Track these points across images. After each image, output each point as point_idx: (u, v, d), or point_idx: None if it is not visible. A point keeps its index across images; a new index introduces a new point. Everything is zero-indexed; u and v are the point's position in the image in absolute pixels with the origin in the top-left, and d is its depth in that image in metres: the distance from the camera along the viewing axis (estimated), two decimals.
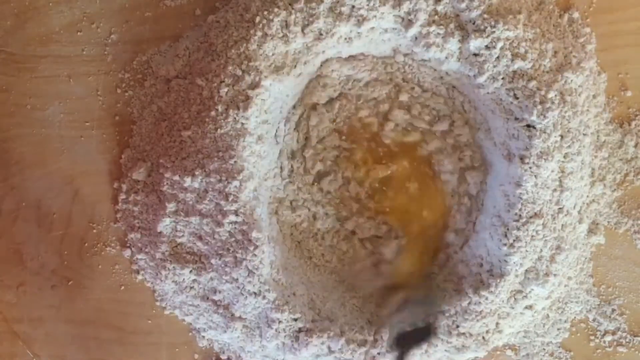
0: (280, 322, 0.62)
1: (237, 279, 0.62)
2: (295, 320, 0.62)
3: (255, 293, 0.62)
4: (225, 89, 0.61)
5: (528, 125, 0.61)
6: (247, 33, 0.62)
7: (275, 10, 0.61)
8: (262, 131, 0.63)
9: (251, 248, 0.61)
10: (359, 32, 0.62)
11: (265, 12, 0.61)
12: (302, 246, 0.68)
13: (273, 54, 0.61)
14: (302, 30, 0.61)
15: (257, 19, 0.61)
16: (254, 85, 0.61)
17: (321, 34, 0.61)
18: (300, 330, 0.63)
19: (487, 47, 0.60)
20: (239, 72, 0.61)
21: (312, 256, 0.68)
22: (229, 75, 0.61)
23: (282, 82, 0.62)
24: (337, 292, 0.67)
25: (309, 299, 0.65)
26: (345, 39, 0.63)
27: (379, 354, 0.63)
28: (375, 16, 0.61)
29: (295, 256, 0.67)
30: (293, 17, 0.61)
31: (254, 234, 0.61)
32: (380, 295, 0.66)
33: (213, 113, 0.61)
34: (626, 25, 0.67)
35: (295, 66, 0.62)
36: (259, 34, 0.61)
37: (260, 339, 0.64)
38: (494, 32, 0.60)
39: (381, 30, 0.63)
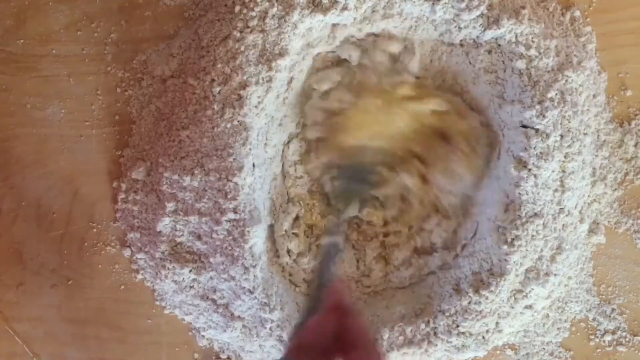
0: (272, 321, 0.62)
1: (234, 277, 0.62)
2: (288, 321, 0.63)
3: (250, 291, 0.62)
4: (218, 88, 0.61)
5: (527, 126, 0.61)
6: (230, 26, 0.62)
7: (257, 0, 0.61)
8: (261, 127, 0.63)
9: (247, 245, 0.61)
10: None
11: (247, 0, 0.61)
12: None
13: (257, 50, 0.61)
14: (279, 21, 0.61)
15: (237, 9, 0.61)
16: (244, 85, 0.61)
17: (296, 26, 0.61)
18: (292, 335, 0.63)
19: (487, 45, 0.61)
20: (228, 71, 0.61)
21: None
22: (219, 74, 0.61)
23: (272, 77, 0.61)
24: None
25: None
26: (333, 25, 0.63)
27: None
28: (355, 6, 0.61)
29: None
30: (275, 9, 0.61)
31: (252, 230, 0.61)
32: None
33: (209, 112, 0.61)
34: (626, 24, 0.67)
35: (284, 59, 0.62)
36: (240, 25, 0.61)
37: (257, 338, 0.64)
38: (497, 29, 0.60)
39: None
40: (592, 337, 0.67)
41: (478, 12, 0.60)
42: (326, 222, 0.68)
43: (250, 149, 0.61)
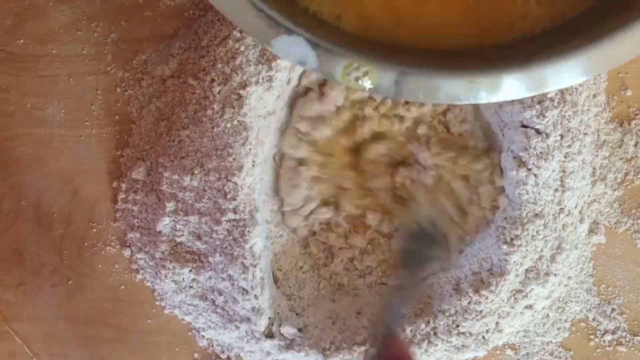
0: (262, 324, 0.62)
1: (232, 276, 0.62)
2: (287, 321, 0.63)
3: (248, 291, 0.62)
4: (218, 88, 0.61)
5: (527, 126, 0.61)
6: (230, 26, 0.62)
7: None
8: (261, 126, 0.63)
9: (248, 245, 0.61)
10: None
11: None
12: (305, 248, 0.68)
13: (257, 50, 0.61)
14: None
15: None
16: (244, 85, 0.61)
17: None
18: (292, 338, 0.63)
19: None
20: (228, 70, 0.61)
21: (316, 259, 0.68)
22: (219, 74, 0.61)
23: (272, 77, 0.61)
24: (343, 300, 0.67)
25: (307, 302, 0.66)
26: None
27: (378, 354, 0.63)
28: None
29: (295, 257, 0.68)
30: None
31: (252, 230, 0.61)
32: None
33: (209, 112, 0.61)
34: None
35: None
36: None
37: (257, 338, 0.64)
38: None
39: None
40: (592, 337, 0.67)
41: None
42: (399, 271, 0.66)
43: (250, 149, 0.61)
